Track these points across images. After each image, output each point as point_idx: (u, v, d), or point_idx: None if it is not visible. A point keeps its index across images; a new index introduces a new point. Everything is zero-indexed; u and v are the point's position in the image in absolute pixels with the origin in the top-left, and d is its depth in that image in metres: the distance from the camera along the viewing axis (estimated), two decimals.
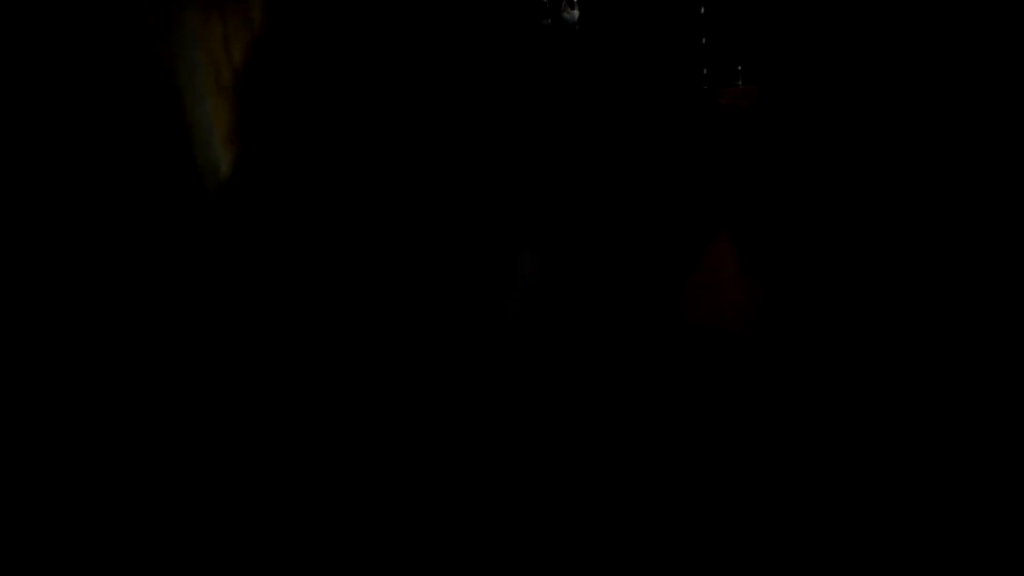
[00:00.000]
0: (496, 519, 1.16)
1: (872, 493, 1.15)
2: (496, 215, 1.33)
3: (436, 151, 1.40)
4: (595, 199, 1.33)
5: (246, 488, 1.20)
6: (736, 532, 1.13)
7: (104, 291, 1.25)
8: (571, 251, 1.33)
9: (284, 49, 1.42)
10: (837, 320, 1.22)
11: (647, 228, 1.31)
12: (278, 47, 1.42)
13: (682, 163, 1.32)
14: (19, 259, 1.22)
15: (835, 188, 1.28)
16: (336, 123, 1.40)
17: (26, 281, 1.21)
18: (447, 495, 1.18)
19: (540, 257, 1.31)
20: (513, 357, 1.26)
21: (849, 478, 1.16)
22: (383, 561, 1.15)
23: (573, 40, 1.41)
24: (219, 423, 1.24)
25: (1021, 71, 1.21)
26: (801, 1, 1.33)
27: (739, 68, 1.47)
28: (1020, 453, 1.14)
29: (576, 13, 1.41)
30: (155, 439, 1.20)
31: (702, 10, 1.42)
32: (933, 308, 1.23)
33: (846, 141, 1.29)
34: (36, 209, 1.25)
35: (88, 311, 1.24)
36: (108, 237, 1.27)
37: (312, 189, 1.39)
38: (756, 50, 1.40)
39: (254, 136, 1.40)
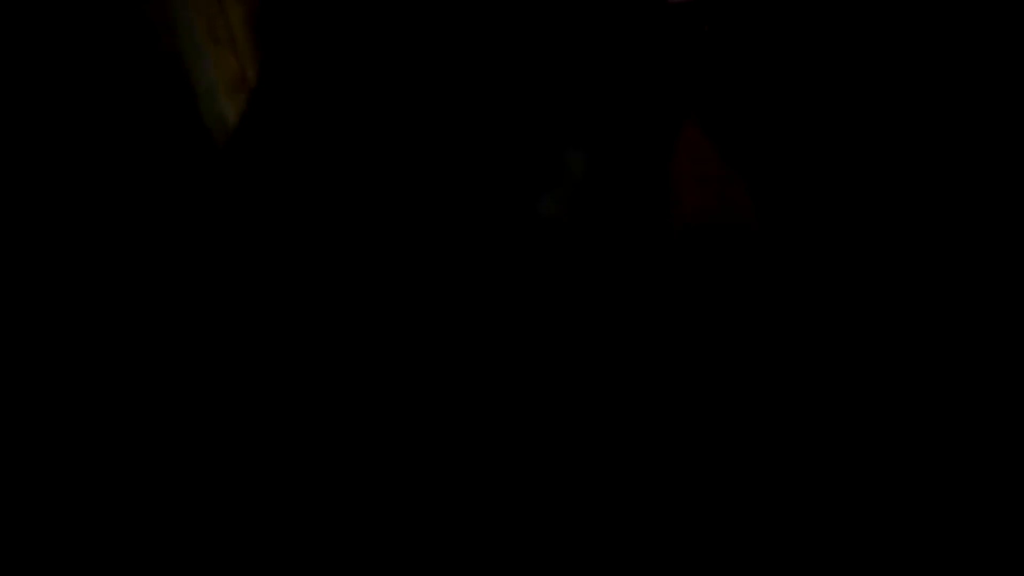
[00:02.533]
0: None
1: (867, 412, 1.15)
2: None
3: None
4: (555, 99, 1.28)
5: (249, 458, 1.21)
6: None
7: (117, 248, 1.30)
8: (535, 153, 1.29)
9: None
10: (822, 209, 1.18)
11: (617, 127, 1.27)
12: None
13: (644, 55, 1.26)
14: (32, 217, 1.26)
15: (808, 67, 1.22)
16: (344, 64, 1.40)
17: (37, 236, 1.26)
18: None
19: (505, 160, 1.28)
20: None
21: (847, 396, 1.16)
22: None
23: None
24: (229, 382, 1.26)
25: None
26: None
27: None
28: None
29: None
30: (152, 406, 1.22)
31: None
32: (920, 194, 1.21)
33: (817, 19, 1.23)
34: (49, 173, 1.29)
35: (101, 267, 1.28)
36: (121, 196, 1.31)
37: (326, 133, 1.40)
38: None
39: (260, 87, 1.42)
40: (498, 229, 1.25)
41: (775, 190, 1.20)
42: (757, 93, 1.20)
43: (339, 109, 1.36)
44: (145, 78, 1.34)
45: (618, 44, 1.25)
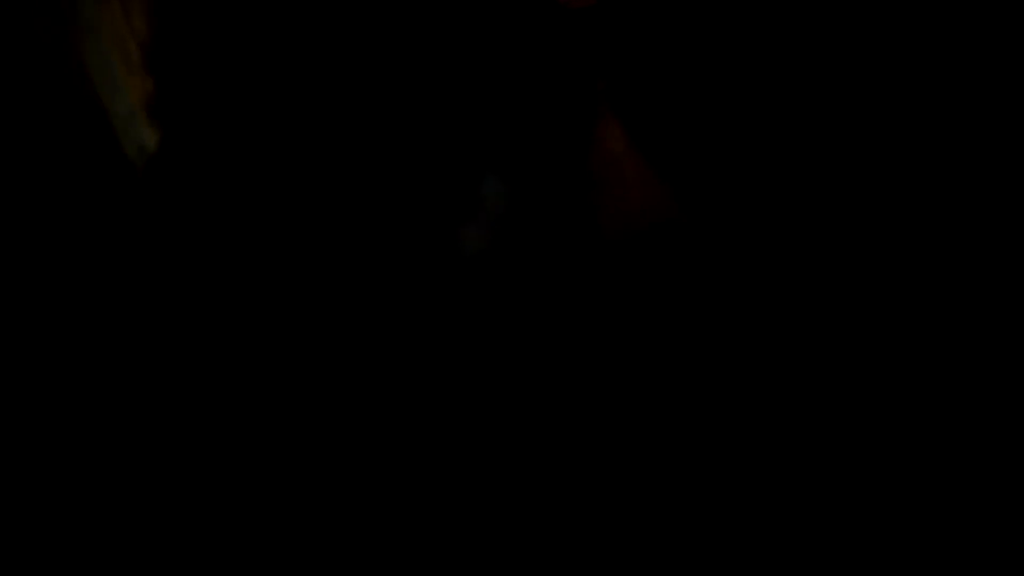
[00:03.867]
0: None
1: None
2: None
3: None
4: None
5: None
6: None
7: (47, 287, 1.28)
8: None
9: (193, 13, 1.39)
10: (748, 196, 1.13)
11: (529, 147, 1.22)
12: (185, 13, 1.39)
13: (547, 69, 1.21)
14: None
15: (726, 64, 1.16)
16: (262, 81, 1.37)
17: None
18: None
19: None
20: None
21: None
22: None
23: None
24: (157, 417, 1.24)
25: None
26: None
27: None
28: None
29: None
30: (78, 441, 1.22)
31: None
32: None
33: None
34: None
35: (31, 309, 1.27)
36: (44, 235, 1.29)
37: (248, 149, 1.37)
38: None
39: (179, 109, 1.39)
40: (422, 272, 1.21)
41: (700, 187, 1.14)
42: (676, 91, 1.14)
43: (255, 129, 1.33)
44: (56, 109, 1.31)
45: (519, 61, 1.20)
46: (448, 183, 1.21)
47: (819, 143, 1.12)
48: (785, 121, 1.11)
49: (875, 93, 1.11)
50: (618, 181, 1.16)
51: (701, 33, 1.11)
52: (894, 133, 1.11)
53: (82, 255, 1.30)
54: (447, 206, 1.20)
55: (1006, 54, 1.07)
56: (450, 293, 1.19)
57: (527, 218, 1.20)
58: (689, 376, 1.15)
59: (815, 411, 1.11)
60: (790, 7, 1.11)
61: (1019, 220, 1.08)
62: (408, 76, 1.22)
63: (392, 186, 1.23)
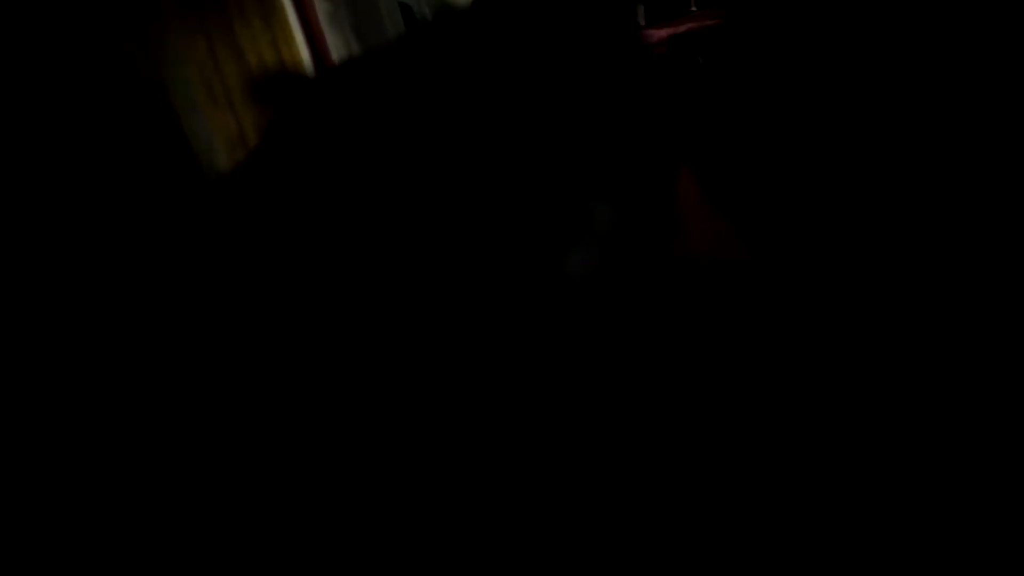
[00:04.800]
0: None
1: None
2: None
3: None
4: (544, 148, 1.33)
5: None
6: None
7: (125, 298, 1.28)
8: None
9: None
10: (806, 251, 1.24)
11: (633, 175, 1.32)
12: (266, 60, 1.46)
13: (629, 105, 1.31)
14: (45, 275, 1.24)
15: (800, 118, 1.30)
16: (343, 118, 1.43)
17: (48, 291, 1.23)
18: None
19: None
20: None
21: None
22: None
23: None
24: (221, 421, 1.24)
25: None
26: None
27: None
28: None
29: None
30: (150, 438, 1.20)
31: None
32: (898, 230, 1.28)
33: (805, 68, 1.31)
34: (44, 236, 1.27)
35: (108, 318, 1.26)
36: (126, 249, 1.30)
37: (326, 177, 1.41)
38: None
39: (258, 142, 1.44)
40: (528, 296, 1.26)
41: (761, 232, 1.25)
42: (742, 149, 1.27)
43: (351, 172, 1.37)
44: (140, 136, 1.34)
45: (623, 93, 1.31)
46: (563, 211, 1.29)
47: (864, 203, 1.25)
48: (837, 176, 1.25)
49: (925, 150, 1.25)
50: (690, 224, 1.28)
51: (760, 94, 1.25)
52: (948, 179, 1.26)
53: (160, 274, 1.31)
54: (560, 230, 1.28)
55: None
56: (557, 301, 1.24)
57: (622, 246, 1.29)
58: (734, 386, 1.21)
59: (859, 433, 1.18)
60: (836, 67, 1.25)
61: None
62: (532, 126, 1.30)
63: (512, 214, 1.29)
